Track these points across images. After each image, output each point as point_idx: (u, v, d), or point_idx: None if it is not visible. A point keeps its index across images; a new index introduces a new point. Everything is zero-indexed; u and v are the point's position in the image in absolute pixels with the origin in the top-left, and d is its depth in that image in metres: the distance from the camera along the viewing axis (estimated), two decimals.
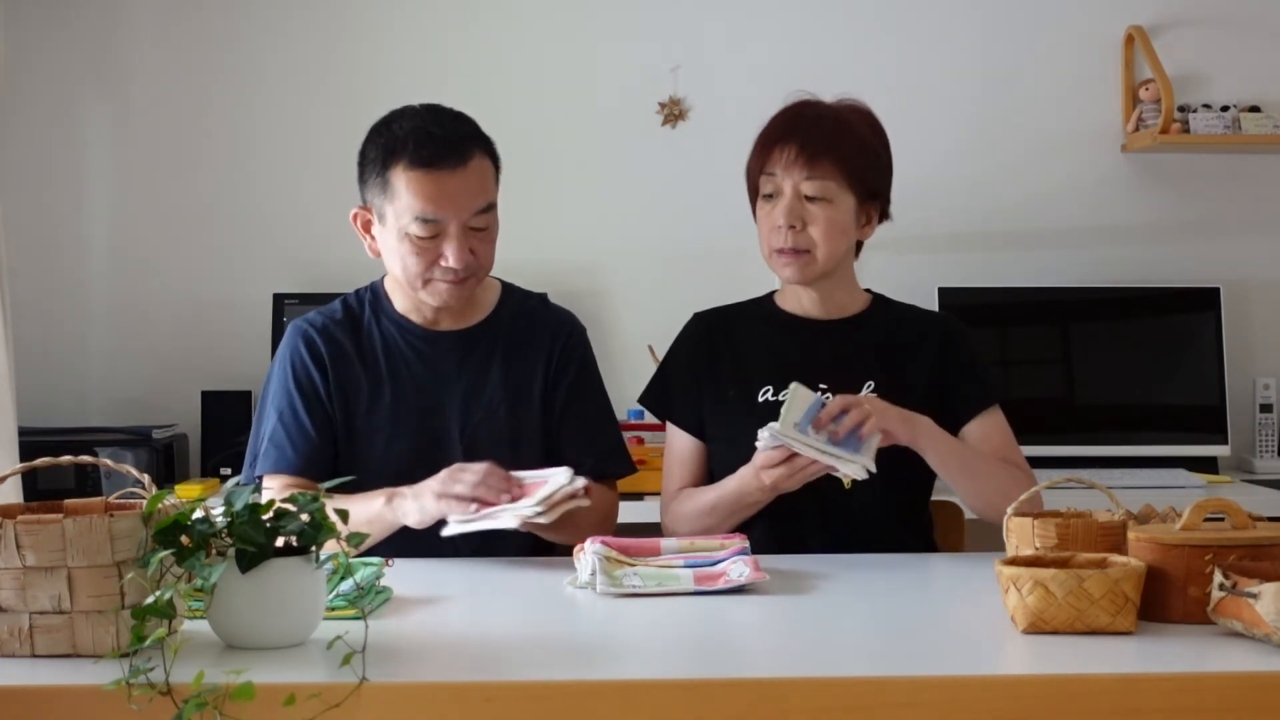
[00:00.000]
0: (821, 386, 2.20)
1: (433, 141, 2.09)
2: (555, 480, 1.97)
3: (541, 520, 1.94)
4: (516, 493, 1.97)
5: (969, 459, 2.15)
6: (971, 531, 2.45)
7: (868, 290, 2.33)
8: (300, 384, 2.20)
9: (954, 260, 3.65)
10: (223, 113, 3.61)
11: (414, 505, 1.99)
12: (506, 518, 1.94)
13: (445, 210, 2.09)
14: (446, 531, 1.97)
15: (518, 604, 1.83)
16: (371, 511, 2.01)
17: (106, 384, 3.59)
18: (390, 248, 2.14)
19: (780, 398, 2.21)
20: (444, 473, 1.99)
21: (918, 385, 2.22)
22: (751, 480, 2.07)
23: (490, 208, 2.15)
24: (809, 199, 2.16)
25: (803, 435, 2.00)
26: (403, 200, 2.09)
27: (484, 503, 1.96)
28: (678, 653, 1.55)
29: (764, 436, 2.01)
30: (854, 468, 1.98)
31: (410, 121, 2.13)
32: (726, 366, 2.27)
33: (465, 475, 1.97)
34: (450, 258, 2.10)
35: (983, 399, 2.23)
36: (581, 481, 1.98)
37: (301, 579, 1.47)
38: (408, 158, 2.09)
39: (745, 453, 2.15)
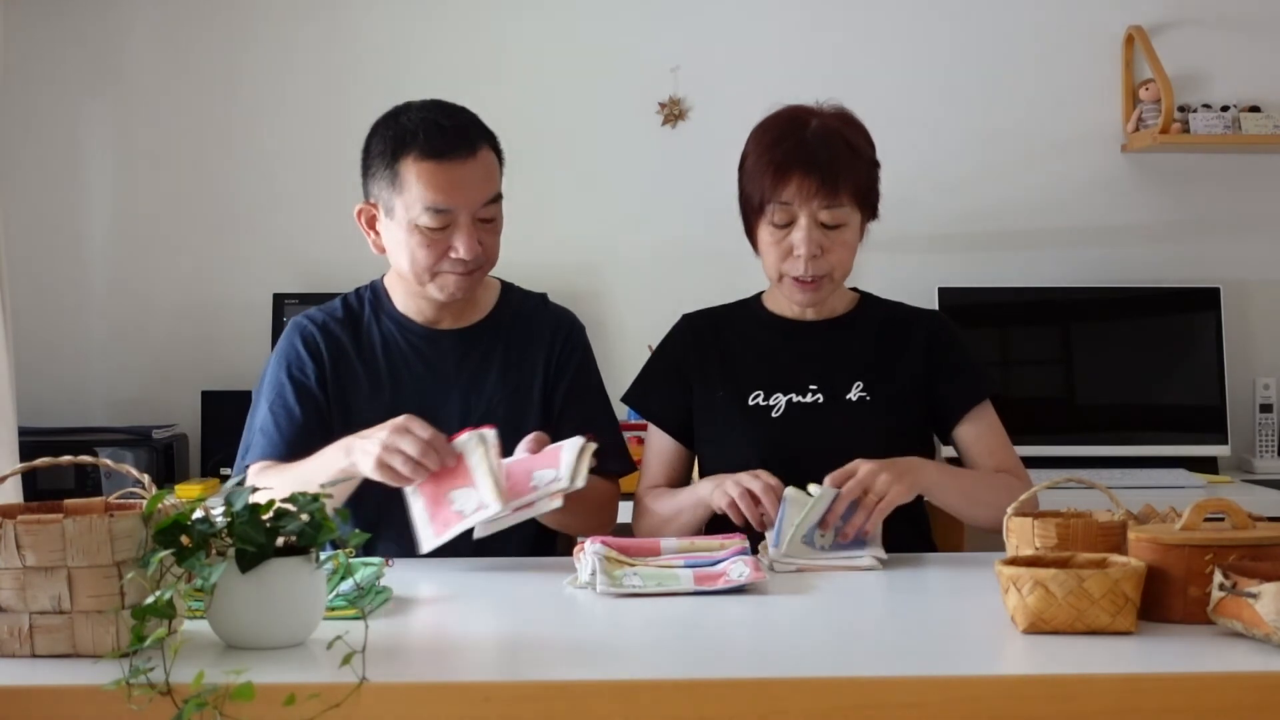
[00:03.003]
0: (811, 387, 2.20)
1: (442, 132, 2.10)
2: (567, 451, 1.96)
3: (579, 483, 1.93)
4: (452, 465, 1.93)
5: (970, 491, 2.12)
6: (971, 531, 2.45)
7: (854, 289, 2.33)
8: (292, 375, 2.21)
9: (954, 260, 3.65)
10: (222, 113, 3.61)
11: (361, 460, 1.95)
12: (541, 504, 1.93)
13: (456, 200, 2.10)
14: (479, 534, 1.96)
15: (518, 604, 1.83)
16: (335, 468, 1.98)
17: (106, 384, 3.59)
18: (398, 241, 2.14)
19: (771, 402, 2.22)
20: (388, 434, 1.92)
21: (907, 383, 2.22)
22: (711, 500, 2.07)
23: (498, 198, 2.16)
24: (827, 226, 2.15)
25: (810, 547, 1.94)
26: (413, 191, 2.10)
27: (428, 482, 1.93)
28: (678, 653, 1.55)
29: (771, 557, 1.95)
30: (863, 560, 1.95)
31: (418, 114, 2.13)
32: (716, 368, 2.28)
33: (405, 445, 1.91)
34: (461, 249, 2.11)
35: (973, 395, 2.23)
36: (491, 433, 1.95)
37: (301, 579, 1.47)
38: (418, 149, 2.09)
39: (734, 454, 2.15)
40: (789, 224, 2.15)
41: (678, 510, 2.17)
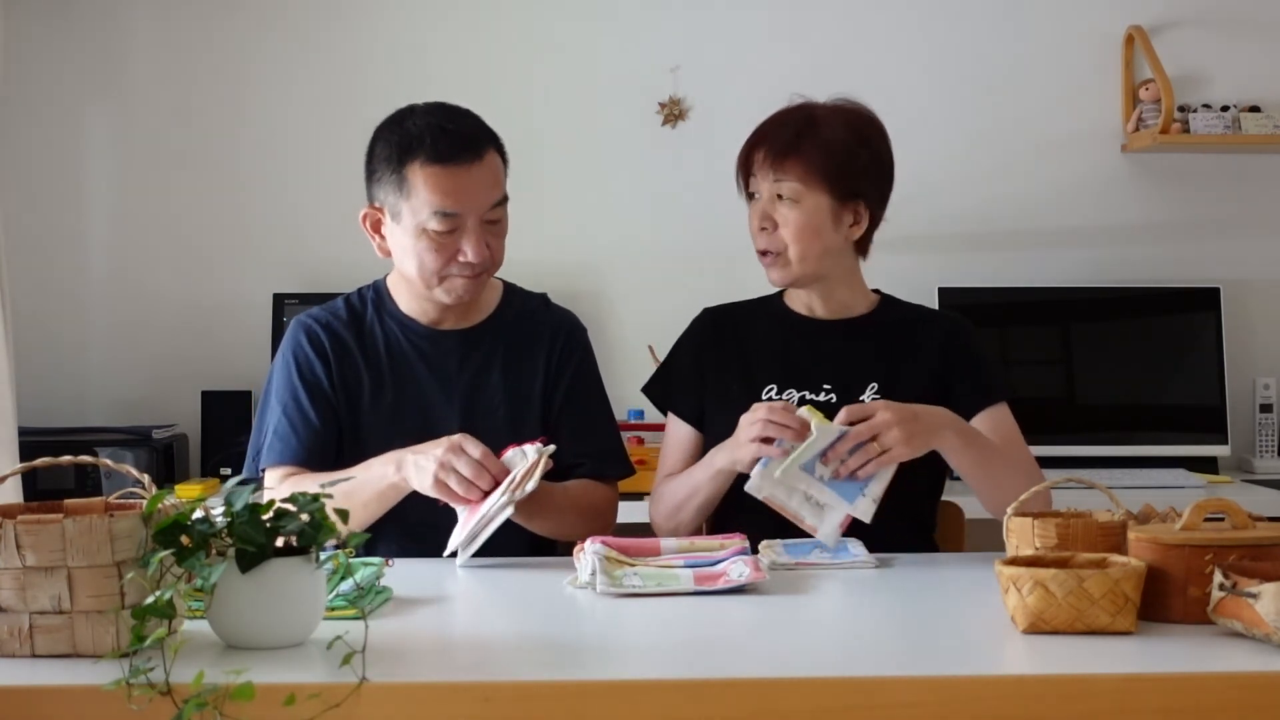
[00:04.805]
0: (825, 386, 2.20)
1: (448, 137, 2.10)
2: (515, 465, 1.98)
3: (529, 487, 1.94)
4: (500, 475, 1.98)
5: (987, 464, 2.10)
6: (971, 531, 2.45)
7: (876, 291, 2.33)
8: (303, 375, 2.21)
9: (954, 260, 3.65)
10: (222, 114, 3.61)
11: (415, 476, 1.99)
12: (500, 517, 1.95)
13: (464, 204, 2.10)
14: (460, 563, 1.98)
15: (518, 604, 1.83)
16: (385, 482, 2.03)
17: (106, 384, 3.59)
18: (405, 246, 2.14)
19: (784, 397, 2.21)
20: (444, 451, 1.97)
21: (921, 386, 2.21)
22: (736, 458, 2.07)
23: (504, 201, 2.16)
24: (779, 199, 2.18)
25: (809, 475, 1.98)
26: (420, 196, 2.09)
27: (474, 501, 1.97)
28: (678, 653, 1.55)
29: (757, 481, 1.99)
30: (830, 523, 1.98)
31: (423, 119, 2.13)
32: (732, 363, 2.28)
33: (460, 466, 1.95)
34: (469, 252, 2.11)
35: (985, 397, 2.21)
36: (531, 449, 1.98)
37: (301, 579, 1.47)
38: (425, 154, 2.09)
39: None
40: (755, 198, 2.21)
41: (694, 489, 2.16)
